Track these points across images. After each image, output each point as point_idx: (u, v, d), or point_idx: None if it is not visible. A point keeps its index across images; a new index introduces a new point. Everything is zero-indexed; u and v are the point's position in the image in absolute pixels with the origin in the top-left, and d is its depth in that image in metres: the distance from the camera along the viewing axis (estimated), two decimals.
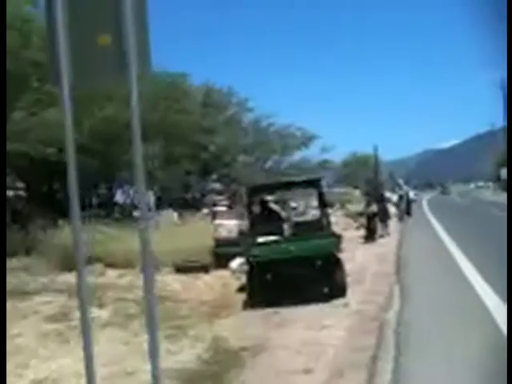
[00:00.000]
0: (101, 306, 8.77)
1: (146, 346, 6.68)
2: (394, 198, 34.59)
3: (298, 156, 35.37)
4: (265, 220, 9.54)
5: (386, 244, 15.68)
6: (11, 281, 11.14)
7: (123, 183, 40.28)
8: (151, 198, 42.14)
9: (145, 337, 7.19)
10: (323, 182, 9.49)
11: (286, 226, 9.48)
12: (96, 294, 9.60)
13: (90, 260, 12.32)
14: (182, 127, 28.94)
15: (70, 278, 11.67)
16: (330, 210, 35.55)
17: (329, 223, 9.44)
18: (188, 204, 33.89)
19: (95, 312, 8.38)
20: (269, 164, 35.11)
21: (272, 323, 7.51)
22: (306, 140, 33.92)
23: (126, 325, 7.76)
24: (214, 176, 31.94)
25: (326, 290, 8.61)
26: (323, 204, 9.63)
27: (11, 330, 6.94)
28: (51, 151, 15.37)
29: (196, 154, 33.08)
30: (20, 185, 26.98)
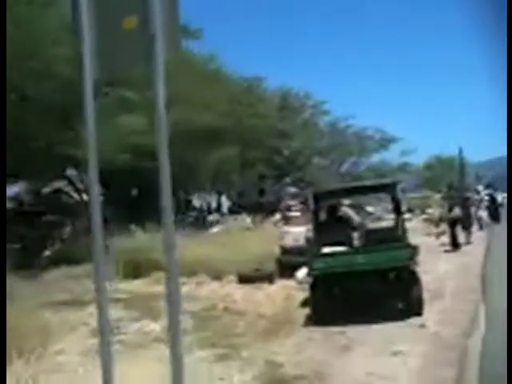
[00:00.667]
0: (155, 317, 8.25)
1: (189, 367, 6.13)
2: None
3: (376, 159, 33.79)
4: (332, 228, 8.63)
5: (471, 254, 14.10)
6: (74, 289, 11.01)
7: (201, 188, 40.56)
8: (225, 202, 42.15)
9: (192, 357, 6.65)
10: (398, 187, 8.43)
11: (355, 235, 8.50)
12: (152, 304, 9.14)
13: (154, 268, 11.97)
14: (257, 131, 28.53)
15: (133, 285, 11.38)
16: (409, 215, 33.56)
17: (404, 231, 8.36)
18: (263, 208, 33.39)
19: (148, 325, 7.89)
20: (345, 167, 33.78)
21: (336, 345, 6.62)
22: (385, 142, 32.26)
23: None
24: (288, 180, 31.20)
25: (399, 307, 7.58)
26: (398, 210, 8.56)
27: (54, 345, 6.56)
28: (123, 157, 15.26)
29: (271, 158, 32.53)
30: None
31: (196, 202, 42.50)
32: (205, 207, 43.06)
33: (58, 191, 26.37)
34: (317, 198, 8.69)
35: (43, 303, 9.32)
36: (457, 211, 16.81)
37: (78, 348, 6.59)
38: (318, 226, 8.78)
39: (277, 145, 32.04)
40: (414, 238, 18.42)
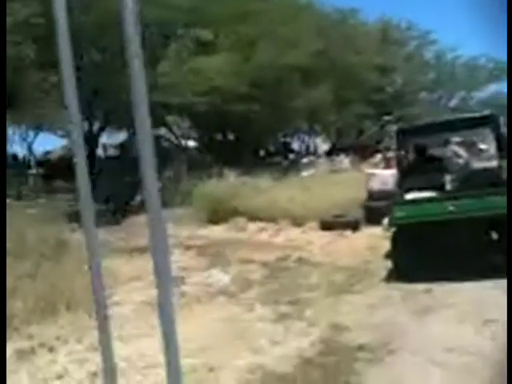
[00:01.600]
0: (225, 267, 7.70)
1: (244, 326, 5.46)
2: None
3: (489, 92, 30.24)
4: (421, 170, 7.38)
5: None
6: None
7: (299, 131, 39.53)
8: (321, 143, 40.68)
9: (250, 315, 5.99)
10: (500, 120, 6.90)
11: (449, 178, 7.18)
12: (226, 252, 8.62)
13: (235, 213, 11.48)
14: (354, 68, 26.60)
15: (212, 231, 10.97)
16: None
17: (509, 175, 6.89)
18: (363, 149, 31.73)
19: (215, 275, 7.35)
20: (454, 102, 30.72)
21: (416, 307, 5.61)
22: (499, 72, 28.58)
23: (240, 295, 6.54)
24: (390, 118, 29.03)
25: (497, 263, 6.31)
26: (500, 150, 7.07)
27: (112, 297, 6.21)
28: (204, 100, 14.71)
29: (371, 96, 30.44)
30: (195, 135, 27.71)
31: (295, 145, 41.66)
32: (303, 150, 42.10)
33: (159, 137, 26.87)
34: (402, 136, 7.42)
35: (119, 249, 9.20)
36: None
37: (134, 301, 6.19)
38: (404, 168, 7.57)
39: (378, 81, 29.81)
40: None
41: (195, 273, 7.43)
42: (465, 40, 63.45)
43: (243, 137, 27.79)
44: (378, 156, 26.69)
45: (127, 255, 8.54)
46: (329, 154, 37.00)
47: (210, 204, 12.04)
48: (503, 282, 6.01)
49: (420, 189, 6.93)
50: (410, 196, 6.78)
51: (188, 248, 8.86)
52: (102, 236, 10.45)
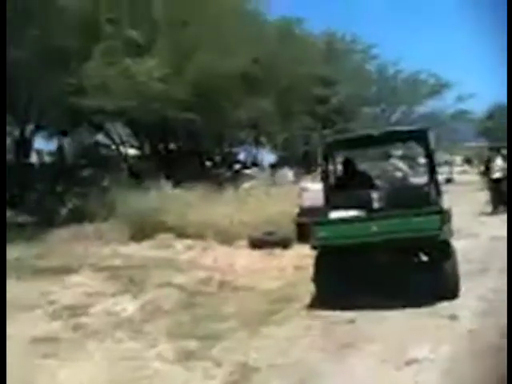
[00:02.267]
0: (137, 293, 6.90)
1: (152, 366, 4.66)
2: None
3: (429, 107, 30.67)
4: (348, 186, 6.87)
5: None
6: (74, 251, 9.86)
7: (245, 141, 38.98)
8: (266, 155, 40.23)
9: (160, 348, 5.20)
10: (430, 135, 6.47)
11: (376, 196, 6.69)
12: (142, 274, 7.81)
13: (162, 229, 10.68)
14: (299, 79, 26.30)
15: (134, 250, 10.09)
16: (466, 167, 30.59)
17: (439, 192, 6.48)
18: (307, 162, 31.52)
19: (122, 303, 6.53)
20: (396, 116, 30.98)
21: (338, 341, 5.01)
22: (439, 88, 29.08)
23: (145, 327, 5.76)
24: (331, 131, 28.93)
25: (426, 288, 5.84)
26: (431, 166, 6.64)
27: None
28: (136, 105, 13.81)
29: (316, 108, 30.30)
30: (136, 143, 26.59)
31: (241, 156, 41.11)
32: (249, 161, 41.66)
33: (97, 144, 25.60)
34: (329, 149, 6.88)
35: (30, 269, 8.24)
36: (499, 166, 13.17)
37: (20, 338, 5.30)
38: (331, 184, 7.05)
39: (322, 94, 29.70)
40: (466, 194, 16.21)
41: (102, 300, 6.60)
42: (406, 54, 64.96)
43: (186, 146, 26.95)
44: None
45: (30, 277, 7.60)
46: (274, 165, 36.67)
47: (136, 218, 11.18)
48: (432, 309, 5.54)
49: (347, 207, 6.39)
50: (334, 215, 6.22)
51: (101, 270, 7.99)
52: (18, 253, 9.49)
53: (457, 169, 34.38)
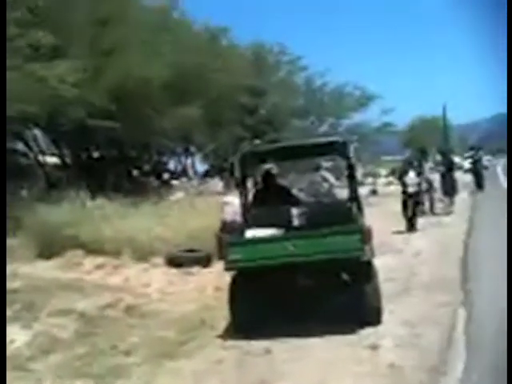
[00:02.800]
0: (29, 322, 6.04)
1: None
2: (466, 164, 29.99)
3: (355, 119, 31.10)
4: (267, 201, 6.39)
5: (450, 226, 11.89)
6: None
7: (175, 151, 38.01)
8: (197, 164, 39.49)
9: None
10: (350, 147, 6.13)
11: (296, 212, 6.25)
12: (40, 298, 6.94)
13: (72, 245, 9.76)
14: (228, 89, 25.86)
15: (38, 269, 9.12)
16: (390, 179, 31.09)
17: (360, 207, 6.14)
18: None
19: (10, 334, 5.66)
20: (323, 128, 31.19)
21: (250, 377, 4.46)
22: (365, 100, 29.55)
23: (32, 364, 4.96)
24: (260, 141, 28.72)
25: (345, 313, 5.45)
26: (352, 180, 6.30)
27: None
28: (46, 110, 12.76)
29: (245, 119, 29.98)
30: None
31: (171, 165, 40.07)
32: (179, 170, 40.69)
33: (14, 152, 23.89)
34: (245, 161, 6.38)
35: None
36: (412, 179, 12.52)
37: None
38: (247, 200, 6.55)
39: (251, 103, 29.42)
40: (388, 205, 16.29)
41: None
42: (332, 67, 66.38)
43: (110, 154, 25.73)
44: None
45: None
46: (205, 175, 35.98)
47: (45, 233, 10.19)
48: (354, 337, 5.14)
49: (265, 224, 5.91)
50: (250, 233, 5.71)
51: None
52: None
53: (382, 180, 35.20)
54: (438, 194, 15.15)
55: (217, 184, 26.96)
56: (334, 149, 6.54)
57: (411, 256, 8.70)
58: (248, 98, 27.68)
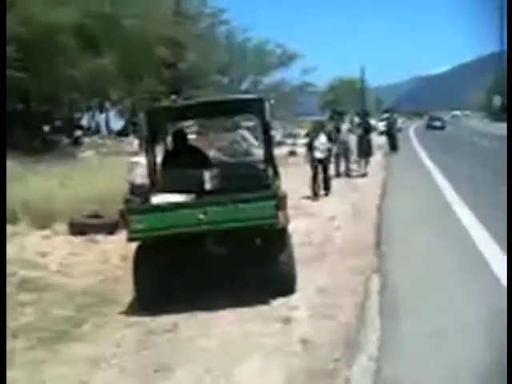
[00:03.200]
0: None
1: None
2: (381, 126, 30.76)
3: (276, 77, 30.86)
4: (177, 164, 5.86)
5: (365, 188, 12.00)
6: None
7: (91, 107, 35.89)
8: (115, 121, 37.68)
9: None
10: (266, 106, 5.70)
11: (208, 175, 5.79)
12: None
13: None
14: (144, 38, 24.37)
15: None
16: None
17: (276, 171, 5.80)
18: None
19: None
20: (244, 85, 30.67)
21: (152, 361, 4.06)
22: (286, 59, 29.31)
23: None
24: (177, 97, 27.70)
25: (259, 283, 5.16)
26: (267, 141, 5.91)
27: None
28: None
29: (163, 72, 28.64)
30: None
31: (84, 121, 37.90)
32: (93, 127, 38.63)
33: None
34: (153, 119, 5.78)
35: None
36: (323, 144, 11.53)
37: None
38: (154, 163, 6.01)
39: (170, 57, 28.11)
40: (306, 167, 16.29)
41: None
42: (255, 22, 65.13)
43: (17, 108, 23.73)
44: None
45: None
46: (120, 133, 34.32)
47: None
48: (266, 308, 4.86)
49: (174, 189, 5.41)
50: (156, 200, 5.20)
51: None
52: None
53: (301, 141, 35.46)
54: (354, 156, 15.28)
55: (132, 142, 25.84)
56: (249, 106, 6.07)
57: (326, 220, 8.58)
58: (166, 51, 26.42)
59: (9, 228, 8.08)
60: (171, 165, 5.99)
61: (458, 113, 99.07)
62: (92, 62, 20.97)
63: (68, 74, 20.39)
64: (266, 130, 5.88)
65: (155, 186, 5.72)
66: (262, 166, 5.86)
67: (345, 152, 14.86)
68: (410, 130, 47.05)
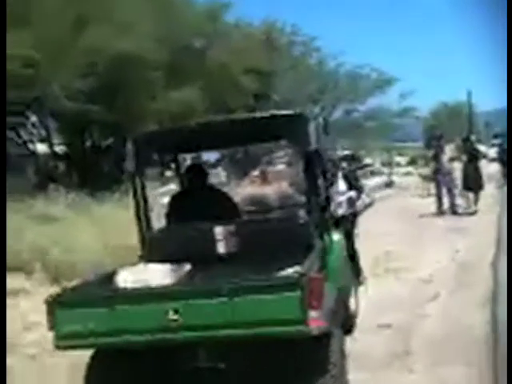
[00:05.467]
0: None
1: None
2: (492, 153, 26.82)
3: (372, 104, 28.12)
4: (185, 215, 3.92)
5: (475, 233, 9.14)
6: None
7: None
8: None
9: None
10: (310, 127, 3.59)
11: (222, 231, 3.76)
12: None
13: None
14: (232, 70, 23.25)
15: None
16: (410, 169, 27.70)
17: (327, 231, 3.60)
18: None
19: None
20: (337, 114, 28.37)
21: None
22: (383, 83, 26.55)
23: None
24: None
25: None
26: (314, 182, 3.74)
27: None
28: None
29: (253, 104, 27.30)
30: None
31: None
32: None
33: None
34: (140, 150, 3.85)
35: None
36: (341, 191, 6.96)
37: None
38: (147, 209, 4.09)
39: (261, 88, 26.76)
40: (401, 199, 13.57)
41: None
42: (347, 47, 62.59)
43: (110, 146, 23.50)
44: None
45: None
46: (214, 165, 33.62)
47: None
48: None
49: (171, 254, 3.45)
50: (122, 278, 3.24)
51: None
52: None
53: (401, 170, 32.24)
54: (459, 189, 12.37)
55: (219, 174, 24.71)
56: (280, 129, 3.96)
57: (418, 283, 6.07)
58: (254, 82, 25.04)
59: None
60: (178, 215, 4.05)
61: None
62: (173, 93, 20.02)
63: (147, 107, 19.54)
64: (311, 163, 3.73)
65: (143, 249, 3.78)
66: (304, 224, 3.69)
67: (449, 184, 12.07)
68: None
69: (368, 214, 11.22)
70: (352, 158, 27.59)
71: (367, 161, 30.28)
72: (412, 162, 36.88)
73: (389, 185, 19.55)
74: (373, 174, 25.49)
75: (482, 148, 26.05)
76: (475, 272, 6.27)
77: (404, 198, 15.70)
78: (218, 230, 3.76)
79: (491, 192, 15.10)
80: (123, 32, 14.17)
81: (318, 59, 27.96)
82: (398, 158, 37.09)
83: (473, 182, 12.16)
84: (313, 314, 2.74)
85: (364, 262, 6.32)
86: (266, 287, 2.75)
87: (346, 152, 29.77)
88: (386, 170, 25.56)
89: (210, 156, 38.93)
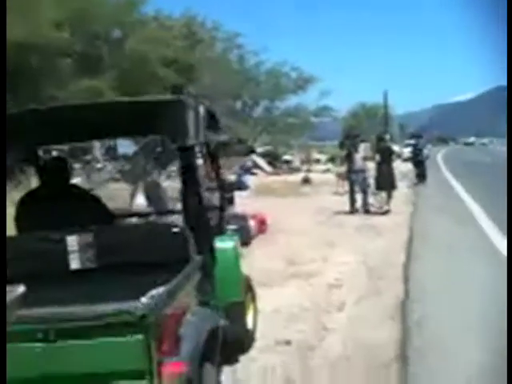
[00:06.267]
0: None
1: None
2: (406, 152, 27.63)
3: (292, 102, 28.10)
4: (40, 221, 3.08)
5: (386, 233, 8.93)
6: None
7: None
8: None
9: None
10: (188, 117, 2.90)
11: (76, 240, 2.97)
12: None
13: None
14: (148, 60, 22.17)
15: None
16: (329, 166, 27.72)
17: (207, 240, 2.91)
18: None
19: None
20: (258, 111, 28.06)
21: None
22: (303, 82, 26.55)
23: None
24: None
25: None
26: (190, 184, 3.04)
27: None
28: None
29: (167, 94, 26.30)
30: None
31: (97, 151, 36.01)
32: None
33: None
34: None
35: None
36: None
37: None
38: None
39: (177, 80, 25.83)
40: (319, 196, 13.33)
41: None
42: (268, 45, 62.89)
43: None
44: None
45: None
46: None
47: None
48: None
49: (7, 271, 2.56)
50: None
51: None
52: None
53: (321, 167, 32.54)
54: (372, 188, 12.24)
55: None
56: (150, 119, 3.13)
57: (324, 288, 5.57)
58: (172, 74, 24.09)
59: None
60: (24, 222, 3.21)
61: (485, 140, 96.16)
62: (85, 82, 18.69)
63: (57, 95, 18.11)
64: (186, 160, 3.05)
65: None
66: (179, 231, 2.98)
67: (362, 184, 11.91)
68: (438, 156, 43.27)
69: (280, 211, 10.80)
70: (269, 155, 27.21)
71: (287, 157, 30.24)
72: (331, 159, 37.45)
73: (306, 181, 19.39)
74: (292, 170, 25.38)
75: (395, 148, 26.72)
76: (384, 274, 5.89)
77: (320, 195, 15.48)
78: (71, 241, 2.97)
79: (404, 191, 15.22)
80: (22, 18, 12.84)
81: (239, 56, 27.50)
82: (318, 156, 37.47)
83: (385, 182, 12.06)
84: (166, 360, 2.03)
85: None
86: (97, 328, 2.01)
87: (267, 148, 29.52)
88: (304, 167, 25.59)
89: (127, 149, 37.29)
